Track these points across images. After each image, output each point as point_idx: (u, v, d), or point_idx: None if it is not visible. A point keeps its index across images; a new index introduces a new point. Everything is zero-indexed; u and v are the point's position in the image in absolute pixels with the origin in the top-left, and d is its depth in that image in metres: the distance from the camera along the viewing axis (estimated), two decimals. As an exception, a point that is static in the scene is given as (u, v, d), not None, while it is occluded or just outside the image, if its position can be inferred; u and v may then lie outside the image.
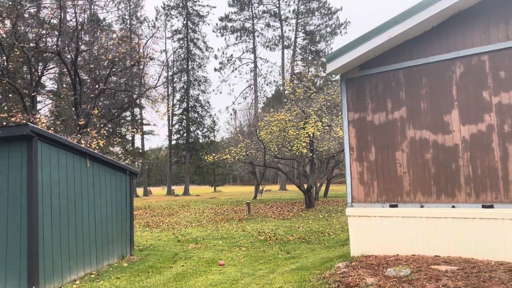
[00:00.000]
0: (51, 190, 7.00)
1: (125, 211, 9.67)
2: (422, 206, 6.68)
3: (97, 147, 14.74)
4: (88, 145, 14.29)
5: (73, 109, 17.70)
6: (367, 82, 7.39)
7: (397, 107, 7.03)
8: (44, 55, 19.07)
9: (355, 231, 7.32)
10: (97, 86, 18.18)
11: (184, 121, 51.48)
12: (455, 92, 6.51)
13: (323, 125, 17.23)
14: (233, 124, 57.92)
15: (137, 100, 37.43)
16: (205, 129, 53.48)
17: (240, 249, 10.38)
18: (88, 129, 15.12)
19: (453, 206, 6.41)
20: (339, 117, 18.10)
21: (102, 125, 18.02)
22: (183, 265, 8.55)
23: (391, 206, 6.99)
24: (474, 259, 6.12)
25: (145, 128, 48.47)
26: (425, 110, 6.76)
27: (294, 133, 17.44)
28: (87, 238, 7.97)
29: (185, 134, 51.47)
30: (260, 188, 35.06)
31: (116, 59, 17.15)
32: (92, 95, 17.17)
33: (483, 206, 6.17)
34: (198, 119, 52.57)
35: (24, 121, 15.15)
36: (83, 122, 16.28)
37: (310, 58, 48.91)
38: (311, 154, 18.75)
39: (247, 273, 7.45)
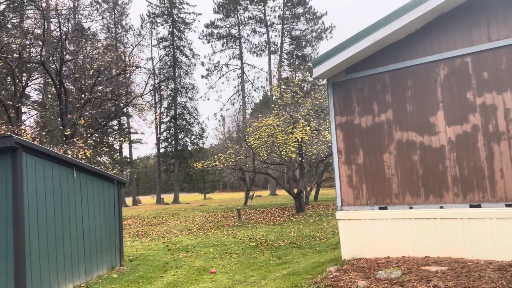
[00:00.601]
0: (37, 202, 6.89)
1: (114, 221, 9.55)
2: (411, 208, 6.72)
3: (84, 157, 14.56)
4: (75, 156, 14.12)
5: (59, 119, 17.49)
6: (354, 86, 7.44)
7: (383, 109, 7.09)
8: (28, 65, 18.84)
9: (345, 235, 7.32)
10: (82, 95, 18.01)
11: (172, 128, 51.24)
12: (440, 93, 6.59)
13: (311, 129, 17.29)
14: (222, 131, 57.87)
15: (124, 109, 37.17)
16: (193, 136, 53.29)
17: (231, 256, 10.31)
18: (75, 139, 14.94)
19: (442, 207, 6.46)
20: (327, 121, 18.18)
21: (88, 135, 17.84)
22: (174, 274, 8.46)
23: (380, 208, 7.02)
24: (464, 258, 6.17)
25: (133, 136, 48.09)
26: (411, 112, 6.83)
27: (283, 138, 17.47)
28: (75, 250, 7.85)
29: (173, 142, 51.20)
30: (251, 194, 34.97)
31: (102, 68, 17.02)
32: (78, 104, 16.99)
33: (471, 206, 6.24)
34: (186, 127, 52.37)
35: (9, 133, 14.92)
36: (69, 132, 16.09)
37: (297, 63, 49.17)
38: (300, 159, 18.79)
39: (238, 280, 7.40)
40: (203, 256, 10.63)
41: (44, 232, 6.97)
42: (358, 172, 7.29)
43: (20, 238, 6.39)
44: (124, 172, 49.76)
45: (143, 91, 21.17)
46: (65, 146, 14.33)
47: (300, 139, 17.11)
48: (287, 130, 17.63)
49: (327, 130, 17.76)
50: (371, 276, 5.79)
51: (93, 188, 8.80)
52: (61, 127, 16.87)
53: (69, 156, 11.48)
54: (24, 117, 27.69)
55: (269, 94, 52.87)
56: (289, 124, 18.21)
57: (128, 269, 9.30)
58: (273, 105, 21.41)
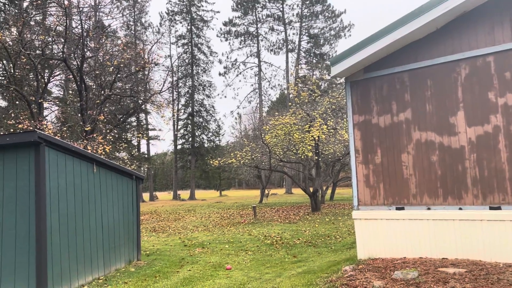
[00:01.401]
0: (58, 196, 7.06)
1: (132, 216, 9.71)
2: (429, 209, 6.66)
3: (103, 153, 14.82)
4: (94, 151, 14.38)
5: (79, 115, 17.82)
6: (372, 85, 7.39)
7: (402, 109, 7.03)
8: (50, 62, 19.24)
9: (361, 234, 7.29)
10: (102, 92, 18.30)
11: (189, 125, 51.63)
12: (461, 93, 6.50)
13: (328, 128, 17.21)
14: (238, 129, 58.03)
15: (143, 106, 37.63)
16: (210, 134, 53.61)
17: (247, 253, 10.37)
18: (94, 135, 15.21)
19: (460, 208, 6.38)
20: (344, 120, 18.09)
21: (108, 131, 18.13)
22: (190, 270, 8.56)
23: (397, 208, 6.97)
24: (482, 261, 6.08)
25: (151, 133, 48.64)
26: (430, 112, 6.75)
27: (299, 137, 17.43)
28: (94, 243, 8.02)
29: (190, 139, 51.60)
30: (266, 192, 35.03)
31: (121, 65, 17.26)
32: (98, 101, 17.28)
33: (491, 208, 6.14)
34: (203, 124, 52.71)
35: (31, 128, 15.28)
36: (89, 128, 16.38)
37: (314, 61, 48.93)
38: (316, 158, 18.72)
39: (253, 277, 7.45)
40: (219, 252, 10.71)
41: (64, 225, 7.13)
42: (376, 171, 7.25)
43: (42, 231, 6.56)
44: (142, 168, 50.39)
45: (161, 88, 21.38)
46: (85, 141, 14.60)
47: (316, 138, 17.06)
48: (304, 128, 17.59)
49: (344, 129, 17.67)
50: (387, 276, 5.77)
51: (112, 183, 8.95)
52: (81, 123, 17.18)
53: (89, 151, 11.70)
54: (45, 112, 28.34)
55: (286, 92, 52.80)
56: (306, 122, 18.16)
57: (145, 263, 9.45)
58: (290, 103, 21.36)
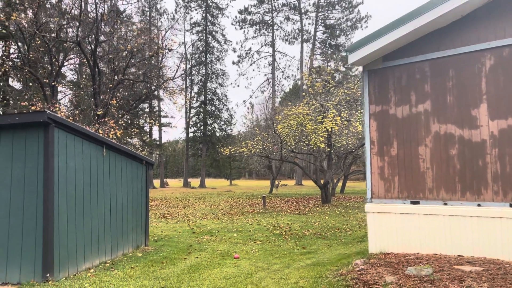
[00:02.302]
0: (67, 178, 6.98)
1: (141, 201, 9.64)
2: (445, 204, 6.42)
3: (115, 137, 14.78)
4: (105, 135, 14.34)
5: (92, 99, 17.81)
6: (391, 74, 7.12)
7: (421, 100, 6.76)
8: (65, 45, 19.22)
9: (374, 228, 7.10)
10: (115, 76, 18.24)
11: (202, 114, 51.57)
12: (484, 85, 6.21)
13: (342, 119, 16.92)
14: (250, 118, 57.81)
15: (155, 92, 37.59)
16: (222, 123, 53.49)
17: (255, 242, 10.25)
18: (106, 119, 15.18)
19: (479, 205, 6.13)
20: (359, 111, 17.76)
21: (120, 116, 18.11)
22: (197, 257, 8.48)
23: (412, 202, 6.74)
24: (500, 260, 5.85)
25: (163, 120, 48.75)
26: (451, 103, 6.48)
27: (312, 128, 17.17)
28: (102, 227, 7.96)
29: (202, 127, 51.56)
30: (276, 182, 34.90)
31: (135, 49, 17.14)
32: (111, 85, 17.22)
33: (511, 205, 5.88)
34: (215, 112, 52.59)
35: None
36: (101, 112, 16.35)
37: (329, 52, 48.31)
38: (328, 149, 18.46)
39: (261, 267, 7.31)
40: (227, 241, 10.62)
41: (72, 208, 7.07)
42: (391, 164, 7.02)
43: (50, 213, 6.50)
44: (153, 154, 50.61)
45: (175, 75, 21.26)
46: (96, 125, 14.57)
47: (329, 129, 16.79)
48: (317, 119, 17.32)
49: (358, 121, 17.36)
50: (400, 272, 5.57)
51: (122, 167, 8.87)
52: (93, 107, 17.16)
53: (100, 135, 11.64)
54: (59, 96, 28.49)
55: (299, 83, 52.32)
56: (319, 113, 17.88)
57: (152, 249, 9.39)
58: (303, 94, 21.06)
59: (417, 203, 6.69)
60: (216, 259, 8.23)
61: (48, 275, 6.41)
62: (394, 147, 7.01)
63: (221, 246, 9.78)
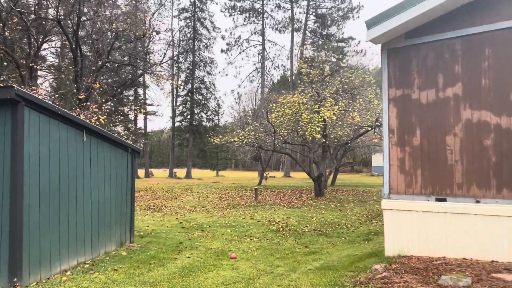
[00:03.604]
0: (40, 166, 5.98)
1: (126, 193, 8.66)
2: (477, 202, 5.63)
3: (98, 123, 13.69)
4: (88, 120, 13.24)
5: (73, 83, 16.60)
6: (414, 53, 6.27)
7: (450, 83, 5.93)
8: (44, 24, 17.88)
9: (391, 227, 6.29)
10: (99, 59, 17.03)
11: (189, 102, 50.25)
12: (527, 66, 5.40)
13: (340, 109, 16.08)
14: (237, 109, 56.78)
15: (141, 78, 36.23)
16: (209, 112, 52.28)
17: (252, 239, 9.39)
18: (88, 103, 14.05)
19: (518, 203, 5.36)
20: (357, 101, 16.96)
21: (103, 101, 16.94)
22: (189, 257, 7.57)
23: (437, 199, 5.94)
24: (543, 267, 5.10)
25: (148, 108, 47.30)
26: (486, 87, 5.66)
27: (308, 117, 16.31)
28: (81, 223, 6.98)
29: (189, 116, 50.27)
30: (265, 174, 34.10)
31: (120, 29, 15.94)
32: (94, 68, 16.04)
33: (557, 205, 5.12)
34: (203, 101, 51.31)
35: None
36: (83, 96, 15.20)
37: (320, 42, 47.41)
38: (324, 140, 17.66)
39: (263, 270, 6.45)
40: (220, 237, 9.73)
41: (46, 200, 6.08)
42: (413, 155, 6.20)
43: (18, 206, 5.52)
44: (138, 144, 49.24)
45: (162, 59, 20.12)
46: (78, 110, 13.45)
47: (327, 119, 15.95)
48: (313, 108, 16.46)
49: (356, 111, 16.56)
50: (432, 282, 4.77)
51: (105, 155, 7.87)
52: (75, 91, 15.98)
53: (95, 125, 10.59)
54: (40, 80, 27.00)
55: (288, 73, 51.42)
56: (315, 102, 17.02)
57: (138, 246, 8.45)
58: (299, 82, 20.16)
59: (443, 200, 5.89)
60: (210, 259, 7.34)
61: (15, 279, 5.45)
62: (417, 136, 6.18)
63: (214, 244, 8.89)
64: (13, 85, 5.55)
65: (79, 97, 14.85)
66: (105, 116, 14.06)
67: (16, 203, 5.51)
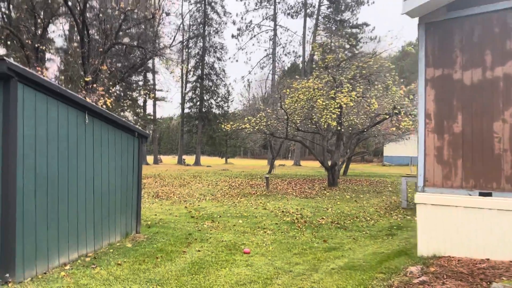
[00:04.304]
0: (36, 149, 5.39)
1: (132, 180, 8.08)
2: (529, 197, 4.93)
3: (104, 106, 13.11)
4: (94, 103, 12.66)
5: (81, 65, 16.01)
6: (457, 28, 5.52)
7: (501, 61, 5.18)
8: (50, 2, 17.25)
9: (426, 223, 5.62)
10: (106, 40, 16.38)
11: (198, 89, 49.51)
12: None
13: (357, 95, 15.29)
14: (247, 97, 55.98)
15: (150, 63, 35.56)
16: (219, 99, 51.52)
17: (265, 232, 8.79)
18: (95, 86, 13.47)
19: None
20: (375, 87, 16.13)
21: (111, 84, 16.34)
22: (199, 250, 6.99)
23: (481, 194, 5.25)
24: None
25: (158, 94, 46.74)
26: (544, 66, 4.91)
27: (323, 103, 15.56)
28: (83, 212, 6.41)
29: (198, 103, 49.59)
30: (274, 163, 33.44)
31: (128, 8, 15.25)
32: (101, 49, 15.41)
33: None
34: (213, 88, 50.52)
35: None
36: (90, 78, 14.60)
37: (333, 28, 46.17)
38: (339, 128, 16.91)
39: (281, 268, 5.84)
40: (232, 228, 9.14)
41: (43, 188, 5.50)
42: (453, 144, 5.49)
43: (10, 194, 4.95)
44: (147, 130, 48.86)
45: (171, 42, 19.42)
46: (83, 92, 12.87)
47: (344, 105, 15.18)
48: (330, 94, 15.68)
49: (374, 97, 15.76)
50: (481, 290, 4.11)
51: (109, 139, 7.27)
52: (82, 73, 15.39)
53: (99, 107, 10.01)
54: (48, 64, 26.52)
55: (300, 60, 50.39)
56: (331, 87, 16.23)
57: (145, 237, 7.89)
58: (313, 66, 19.34)
59: (488, 195, 5.20)
60: (222, 254, 6.75)
61: (7, 275, 4.91)
62: (458, 123, 5.46)
63: (226, 236, 8.30)
64: (4, 58, 4.93)
65: (86, 79, 14.25)
66: (112, 99, 13.46)
67: (8, 191, 4.94)
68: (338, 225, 9.51)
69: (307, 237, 8.23)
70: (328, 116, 15.64)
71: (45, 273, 5.44)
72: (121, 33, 18.54)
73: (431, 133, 5.66)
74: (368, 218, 10.45)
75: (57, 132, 5.85)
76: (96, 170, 6.84)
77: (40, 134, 5.50)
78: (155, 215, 10.92)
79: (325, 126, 17.01)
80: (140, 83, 43.18)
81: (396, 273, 5.03)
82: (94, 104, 11.50)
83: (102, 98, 13.43)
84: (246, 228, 9.18)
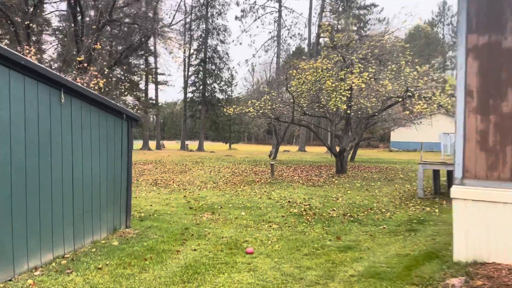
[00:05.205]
0: (-4, 133, 4.47)
1: (120, 169, 7.17)
2: None
3: (96, 88, 12.14)
4: (85, 85, 11.69)
5: (74, 42, 15.00)
6: (510, -16, 4.48)
7: None
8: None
9: (465, 223, 4.67)
10: (100, 18, 15.33)
11: (201, 72, 48.31)
12: None
13: (369, 76, 14.21)
14: (251, 81, 54.79)
15: (152, 44, 34.40)
16: (222, 83, 50.32)
17: (271, 226, 7.89)
18: (86, 65, 12.49)
19: None
20: (388, 67, 15.02)
21: (104, 63, 15.33)
22: (195, 249, 6.10)
23: (537, 189, 4.28)
24: None
25: (160, 78, 45.64)
26: None
27: (333, 85, 14.51)
28: (59, 206, 5.52)
29: (201, 87, 48.43)
30: (272, 150, 32.49)
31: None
32: (94, 26, 14.37)
33: None
34: (216, 72, 49.27)
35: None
36: (83, 57, 13.61)
37: (340, 9, 44.63)
38: (349, 112, 15.88)
39: (290, 274, 4.93)
40: (233, 222, 8.25)
41: (5, 178, 4.59)
42: (501, 126, 4.50)
43: (-40, 187, 4.04)
44: (149, 115, 47.94)
45: (171, 22, 18.34)
46: (74, 72, 11.90)
47: (355, 87, 14.11)
48: (339, 75, 14.62)
49: (387, 79, 14.68)
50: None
51: (92, 122, 6.34)
52: (74, 52, 14.39)
53: (79, 84, 9.04)
54: (45, 46, 25.47)
55: (305, 42, 48.98)
56: (341, 68, 15.15)
57: (135, 233, 7.01)
58: (322, 46, 18.20)
59: (547, 189, 4.23)
60: (221, 254, 5.86)
61: (-42, 285, 4.04)
62: (508, 101, 4.47)
63: (226, 231, 7.42)
64: None
65: (78, 59, 13.26)
66: (104, 80, 12.47)
67: (-43, 183, 4.04)
68: (351, 218, 8.59)
69: (318, 233, 7.32)
70: (338, 99, 14.61)
71: (10, 280, 4.57)
72: (118, 11, 17.46)
73: (473, 114, 4.68)
74: (384, 210, 9.52)
75: (24, 113, 4.92)
76: (76, 157, 5.93)
77: (3, 116, 4.57)
78: (151, 205, 10.05)
79: (334, 109, 15.96)
80: (142, 66, 42.10)
81: (432, 284, 4.11)
82: (86, 86, 10.51)
83: (95, 79, 12.46)
84: (249, 222, 8.28)
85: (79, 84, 11.17)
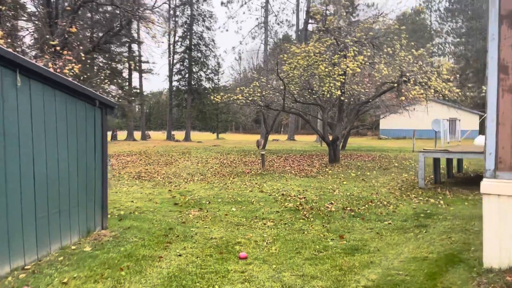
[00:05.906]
0: None
1: (94, 163, 6.30)
2: None
3: (72, 73, 11.15)
4: (58, 71, 10.68)
5: (47, 25, 13.89)
6: None
7: None
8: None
9: (498, 222, 3.96)
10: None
11: (186, 60, 47.04)
12: None
13: (364, 59, 13.43)
14: (238, 70, 53.69)
15: (135, 31, 33.12)
16: (209, 71, 49.13)
17: (265, 224, 7.13)
18: (59, 48, 11.47)
19: None
20: (383, 50, 14.27)
21: (80, 48, 14.25)
22: (180, 254, 5.31)
23: None
24: None
25: (144, 66, 44.20)
26: None
27: (326, 70, 13.73)
28: (16, 207, 4.66)
29: (187, 75, 47.17)
30: (259, 139, 31.73)
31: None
32: (69, 8, 13.29)
33: None
34: (202, 59, 48.02)
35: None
36: (57, 42, 12.55)
37: (329, -6, 43.60)
38: (342, 98, 15.14)
39: (291, 285, 4.18)
40: (223, 219, 7.47)
41: None
42: (544, 108, 3.76)
43: None
44: (134, 104, 46.61)
45: (153, 4, 17.28)
46: (46, 56, 10.88)
47: (350, 72, 13.34)
48: (333, 59, 13.83)
49: (383, 63, 13.94)
50: None
51: (57, 109, 5.45)
52: (48, 36, 13.30)
53: (51, 69, 8.09)
54: (22, 33, 24.08)
55: (293, 29, 48.02)
56: (334, 52, 14.36)
57: (111, 236, 6.17)
58: (314, 30, 17.35)
59: None
60: (210, 260, 5.08)
61: None
62: (552, 77, 3.73)
63: (215, 230, 6.64)
64: None
65: (51, 42, 12.21)
66: (79, 65, 11.46)
67: None
68: (352, 213, 7.88)
69: (318, 231, 6.58)
70: (331, 85, 13.83)
71: (-49, 303, 3.73)
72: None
73: (508, 93, 3.93)
74: (385, 203, 8.85)
75: (-33, 98, 4.02)
76: (38, 151, 5.05)
77: None
78: (132, 201, 9.20)
79: (328, 95, 15.18)
80: (125, 54, 40.69)
81: (466, 300, 3.39)
82: (60, 73, 9.53)
83: (70, 64, 11.44)
84: (240, 219, 7.51)
85: (51, 70, 10.16)
